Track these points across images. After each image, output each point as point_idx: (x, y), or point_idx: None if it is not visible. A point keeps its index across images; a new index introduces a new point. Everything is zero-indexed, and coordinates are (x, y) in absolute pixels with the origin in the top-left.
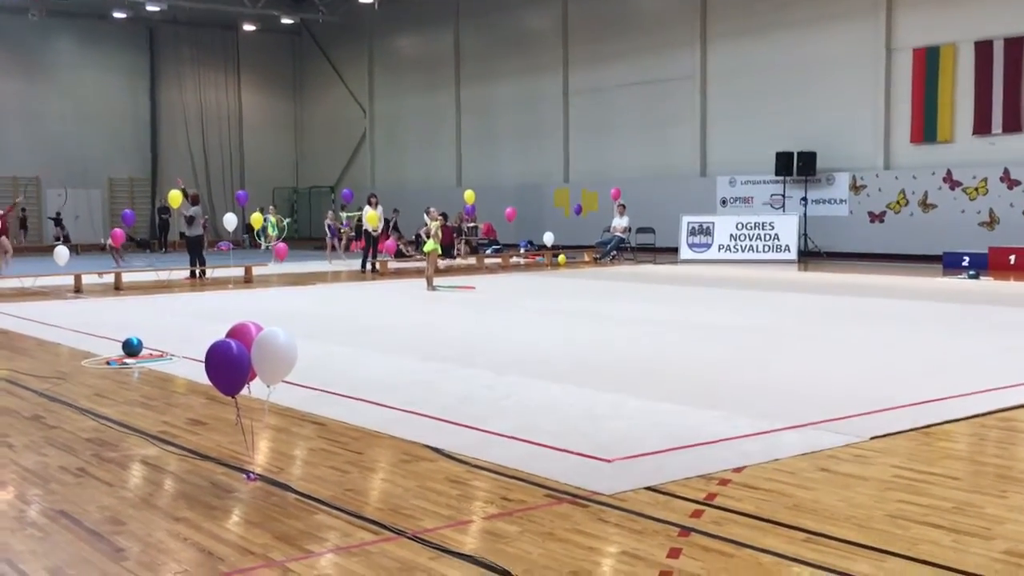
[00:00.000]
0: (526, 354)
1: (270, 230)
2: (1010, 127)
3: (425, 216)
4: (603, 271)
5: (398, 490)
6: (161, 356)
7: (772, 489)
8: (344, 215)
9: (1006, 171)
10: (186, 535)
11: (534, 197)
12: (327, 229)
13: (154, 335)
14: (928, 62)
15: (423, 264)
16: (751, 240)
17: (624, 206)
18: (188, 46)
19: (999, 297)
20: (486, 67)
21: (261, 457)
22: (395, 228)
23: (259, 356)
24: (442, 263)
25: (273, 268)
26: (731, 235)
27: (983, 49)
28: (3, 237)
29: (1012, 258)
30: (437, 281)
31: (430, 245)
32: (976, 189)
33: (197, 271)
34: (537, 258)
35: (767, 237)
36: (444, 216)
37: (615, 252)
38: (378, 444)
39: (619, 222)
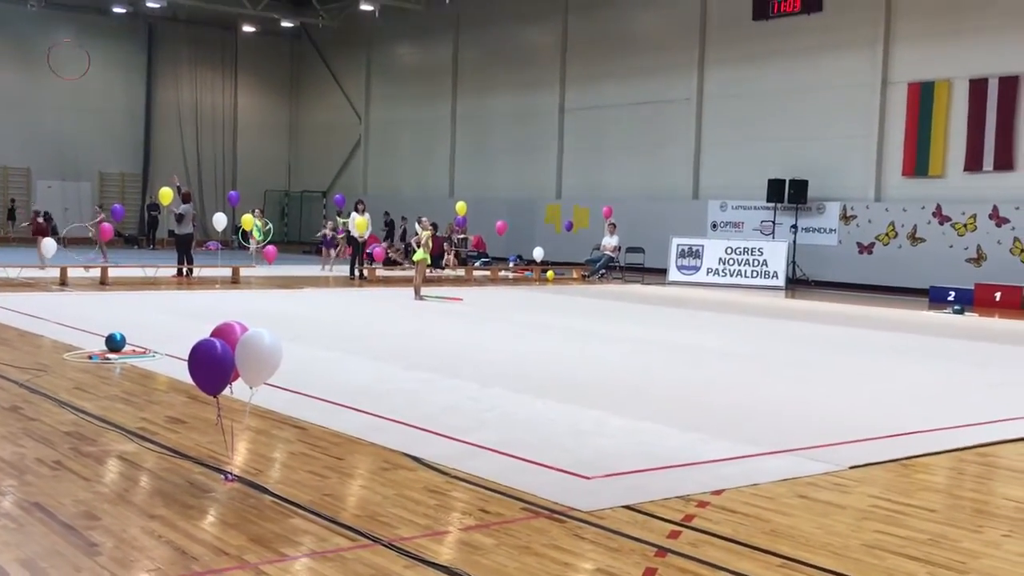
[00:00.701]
0: (511, 368)
1: (255, 233)
2: (1001, 165)
3: (416, 225)
4: (591, 289)
5: (376, 497)
6: (144, 353)
7: (750, 513)
8: (341, 221)
9: (995, 208)
10: (160, 533)
11: (525, 212)
12: (323, 238)
13: (138, 331)
14: (922, 97)
15: (412, 273)
16: (740, 265)
17: (615, 225)
18: (187, 44)
19: (983, 333)
20: (483, 80)
21: (240, 458)
22: (402, 237)
23: (243, 357)
24: (430, 273)
25: (261, 270)
26: (720, 259)
27: (977, 86)
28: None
29: (998, 295)
30: (424, 291)
31: (419, 254)
32: (965, 225)
33: (184, 269)
34: (526, 273)
35: (756, 263)
36: (435, 226)
37: (604, 270)
38: (358, 451)
39: (609, 241)
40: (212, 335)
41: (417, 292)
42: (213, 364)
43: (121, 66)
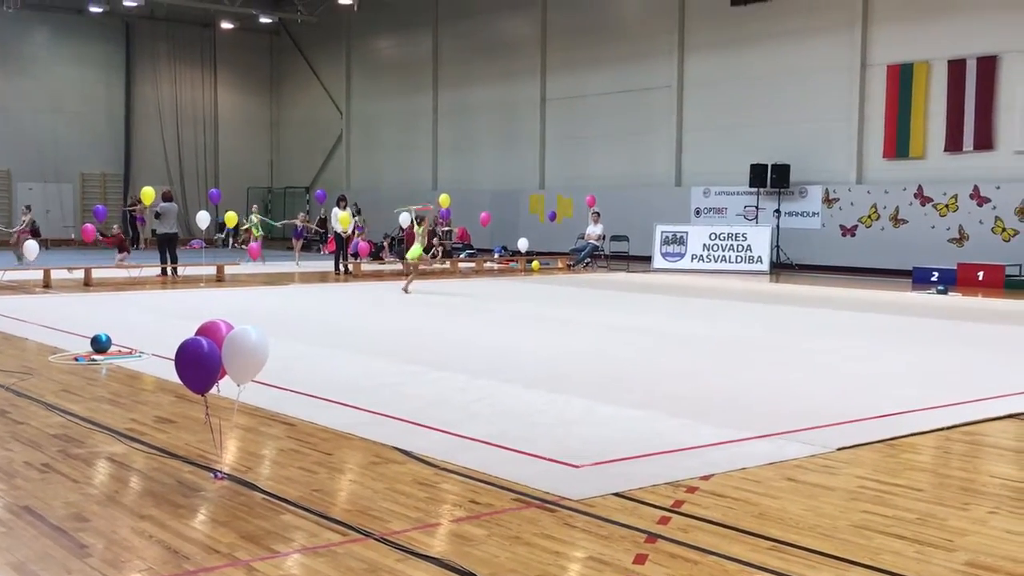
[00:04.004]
0: (498, 359)
1: (255, 231)
2: (981, 145)
3: (406, 213)
4: (576, 278)
5: (366, 492)
6: (130, 353)
7: (739, 497)
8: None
9: (976, 188)
10: (151, 533)
11: (509, 203)
12: (295, 229)
13: (123, 332)
14: (902, 78)
15: (397, 267)
16: (724, 251)
17: (599, 214)
18: (165, 42)
19: (967, 313)
20: (464, 71)
21: (229, 456)
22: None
23: (229, 354)
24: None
25: (246, 267)
26: (704, 245)
27: (956, 67)
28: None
29: (980, 274)
30: (411, 286)
31: (415, 251)
32: (946, 206)
33: (169, 268)
34: (511, 264)
35: (740, 248)
36: (419, 219)
37: (589, 259)
38: (347, 445)
39: (593, 230)
40: (197, 334)
41: (407, 285)
42: (200, 363)
43: (100, 66)
